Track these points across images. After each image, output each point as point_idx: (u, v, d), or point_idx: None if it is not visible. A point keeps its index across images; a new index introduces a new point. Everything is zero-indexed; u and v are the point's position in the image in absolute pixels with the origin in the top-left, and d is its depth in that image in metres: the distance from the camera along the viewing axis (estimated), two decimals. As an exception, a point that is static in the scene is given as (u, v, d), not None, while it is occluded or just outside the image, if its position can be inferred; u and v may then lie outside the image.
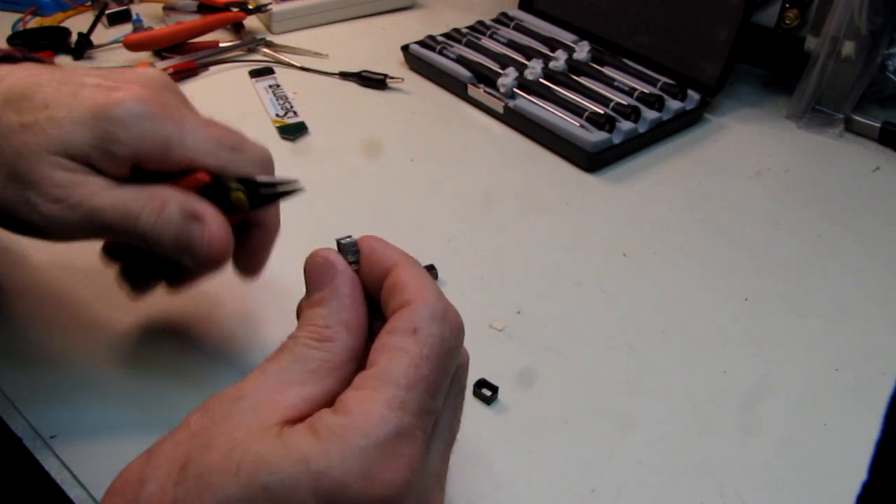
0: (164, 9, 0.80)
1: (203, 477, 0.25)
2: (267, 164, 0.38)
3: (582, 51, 0.71)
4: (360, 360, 0.29)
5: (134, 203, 0.34)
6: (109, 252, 0.42)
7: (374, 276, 0.31)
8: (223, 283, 0.48)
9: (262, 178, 0.37)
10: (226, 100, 0.69)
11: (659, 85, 0.67)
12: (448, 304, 0.29)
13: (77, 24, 0.77)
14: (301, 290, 0.48)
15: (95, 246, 0.49)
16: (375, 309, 0.31)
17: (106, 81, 0.35)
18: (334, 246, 0.32)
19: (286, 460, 0.25)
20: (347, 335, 0.29)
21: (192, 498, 0.25)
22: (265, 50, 0.76)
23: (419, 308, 0.28)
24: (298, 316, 0.33)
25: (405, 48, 0.74)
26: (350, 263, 0.31)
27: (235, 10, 0.78)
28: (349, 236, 0.31)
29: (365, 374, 0.27)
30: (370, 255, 0.31)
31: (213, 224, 0.35)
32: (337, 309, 0.30)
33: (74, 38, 0.74)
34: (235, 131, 0.38)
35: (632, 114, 0.63)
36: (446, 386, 0.29)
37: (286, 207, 0.50)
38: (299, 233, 0.53)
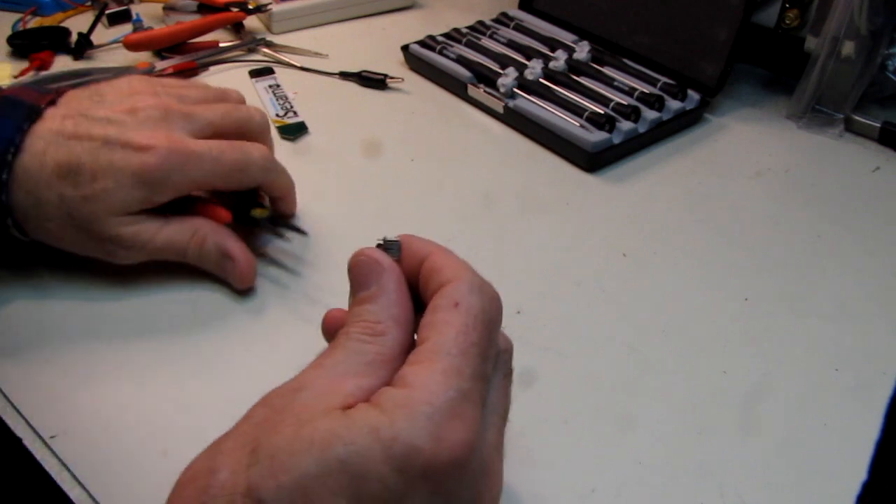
0: (164, 9, 0.80)
1: (276, 457, 0.26)
2: (268, 169, 0.48)
3: (582, 51, 0.71)
4: (408, 353, 0.30)
5: (180, 240, 0.46)
6: None
7: (411, 266, 0.32)
8: (225, 287, 0.48)
9: (271, 223, 0.51)
10: (226, 100, 0.69)
11: (659, 85, 0.67)
12: (483, 280, 0.31)
13: (77, 24, 0.77)
14: (304, 288, 0.49)
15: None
16: (417, 303, 0.32)
17: (129, 137, 0.43)
18: (353, 245, 0.33)
19: (356, 432, 0.26)
20: (397, 329, 0.30)
21: (267, 478, 0.25)
22: (265, 50, 0.76)
23: (457, 284, 0.30)
24: (324, 330, 0.34)
25: (405, 48, 0.74)
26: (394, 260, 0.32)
27: (235, 10, 0.78)
28: (384, 236, 0.33)
29: (418, 350, 0.29)
30: (406, 249, 0.32)
31: (241, 261, 0.46)
32: (386, 305, 0.31)
33: (74, 38, 0.74)
34: (240, 150, 0.46)
35: (632, 114, 0.63)
36: (493, 354, 0.30)
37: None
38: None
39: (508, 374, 0.33)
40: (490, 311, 0.30)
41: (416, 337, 0.31)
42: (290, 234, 0.52)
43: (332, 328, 0.33)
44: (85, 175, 0.42)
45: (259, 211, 0.49)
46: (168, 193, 0.44)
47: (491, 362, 0.30)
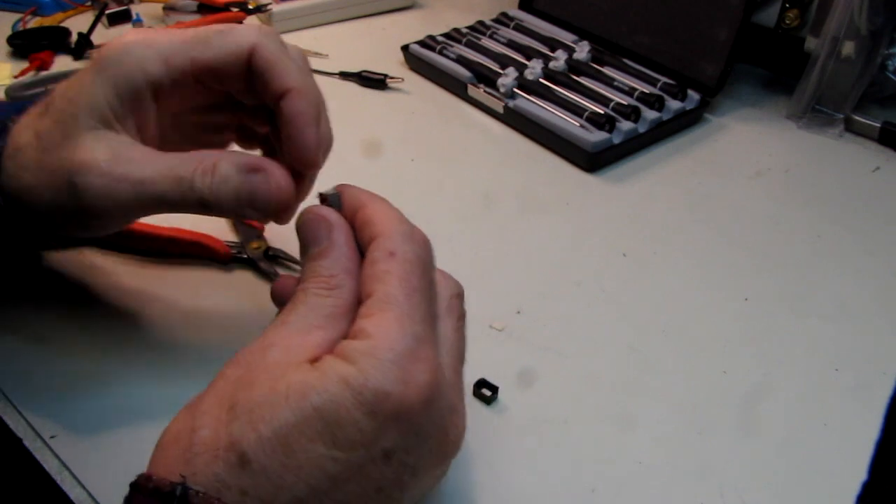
0: (164, 9, 0.80)
1: (254, 411, 0.27)
2: (264, 32, 0.38)
3: (582, 51, 0.71)
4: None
5: (183, 168, 0.35)
6: None
7: (348, 215, 0.34)
8: (225, 284, 0.48)
9: (268, 258, 0.49)
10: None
11: (659, 85, 0.67)
12: (413, 227, 0.33)
13: (77, 24, 0.77)
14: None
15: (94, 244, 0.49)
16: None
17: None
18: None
19: (328, 382, 0.27)
20: (350, 280, 0.32)
21: (248, 432, 0.27)
22: (265, 50, 0.76)
23: (390, 235, 0.32)
24: (274, 297, 0.35)
25: (405, 48, 0.74)
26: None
27: (235, 10, 0.78)
28: (322, 191, 0.35)
29: (368, 303, 0.30)
30: (343, 199, 0.35)
31: (277, 172, 0.36)
32: (338, 258, 0.32)
33: (74, 38, 0.74)
34: (220, 24, 0.39)
35: (632, 114, 0.63)
36: (434, 295, 0.32)
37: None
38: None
39: (461, 316, 0.34)
40: (424, 256, 0.32)
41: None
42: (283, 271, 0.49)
43: (280, 295, 0.34)
44: (55, 98, 0.37)
45: (256, 243, 0.49)
46: (137, 78, 0.36)
47: (434, 303, 0.32)
